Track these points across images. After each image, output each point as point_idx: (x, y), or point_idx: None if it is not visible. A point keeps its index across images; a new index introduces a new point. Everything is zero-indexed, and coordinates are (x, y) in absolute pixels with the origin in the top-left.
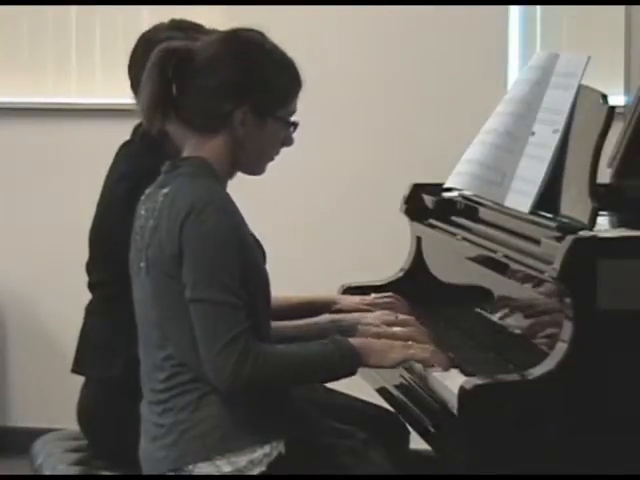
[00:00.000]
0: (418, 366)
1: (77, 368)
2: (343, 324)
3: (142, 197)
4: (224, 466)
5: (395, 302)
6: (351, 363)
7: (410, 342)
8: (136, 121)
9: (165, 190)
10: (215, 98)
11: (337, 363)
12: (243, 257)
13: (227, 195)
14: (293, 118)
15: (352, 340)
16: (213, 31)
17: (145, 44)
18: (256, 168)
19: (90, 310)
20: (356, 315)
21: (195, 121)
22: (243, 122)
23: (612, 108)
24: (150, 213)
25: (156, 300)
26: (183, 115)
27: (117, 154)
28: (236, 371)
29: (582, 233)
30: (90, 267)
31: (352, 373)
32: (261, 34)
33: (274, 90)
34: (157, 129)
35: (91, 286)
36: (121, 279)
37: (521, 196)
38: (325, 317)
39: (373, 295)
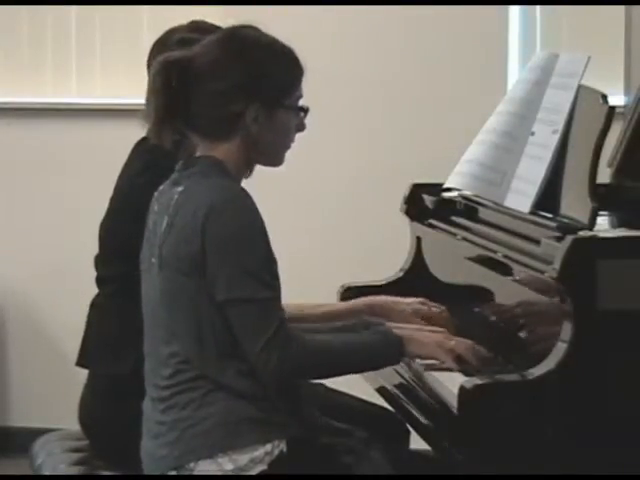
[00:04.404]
0: (418, 365)
1: (82, 362)
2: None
3: (155, 194)
4: (226, 464)
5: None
6: (395, 352)
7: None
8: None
9: (179, 188)
10: (224, 102)
11: (381, 351)
12: (269, 251)
13: (246, 192)
14: (301, 103)
15: (395, 330)
16: None
17: (160, 47)
18: (275, 160)
19: (97, 304)
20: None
21: (207, 129)
22: (255, 119)
23: (612, 108)
24: (164, 210)
25: (166, 297)
26: (194, 124)
27: (133, 151)
28: (281, 361)
29: (582, 233)
30: (100, 261)
31: (396, 362)
32: (255, 29)
33: (280, 81)
34: (169, 142)
35: (99, 280)
36: (132, 275)
37: (521, 196)
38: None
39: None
